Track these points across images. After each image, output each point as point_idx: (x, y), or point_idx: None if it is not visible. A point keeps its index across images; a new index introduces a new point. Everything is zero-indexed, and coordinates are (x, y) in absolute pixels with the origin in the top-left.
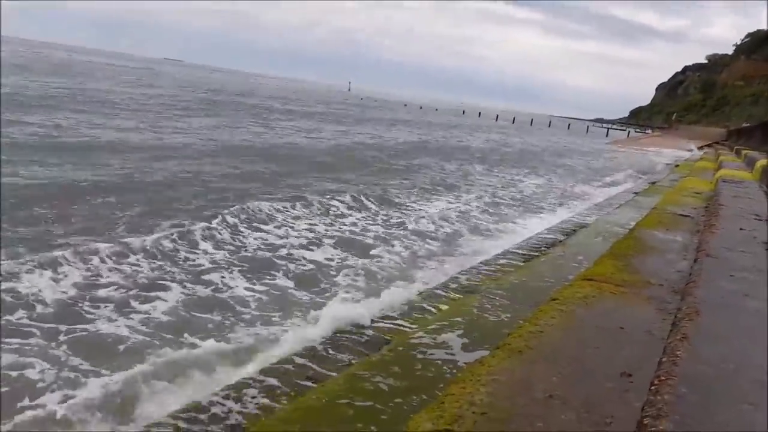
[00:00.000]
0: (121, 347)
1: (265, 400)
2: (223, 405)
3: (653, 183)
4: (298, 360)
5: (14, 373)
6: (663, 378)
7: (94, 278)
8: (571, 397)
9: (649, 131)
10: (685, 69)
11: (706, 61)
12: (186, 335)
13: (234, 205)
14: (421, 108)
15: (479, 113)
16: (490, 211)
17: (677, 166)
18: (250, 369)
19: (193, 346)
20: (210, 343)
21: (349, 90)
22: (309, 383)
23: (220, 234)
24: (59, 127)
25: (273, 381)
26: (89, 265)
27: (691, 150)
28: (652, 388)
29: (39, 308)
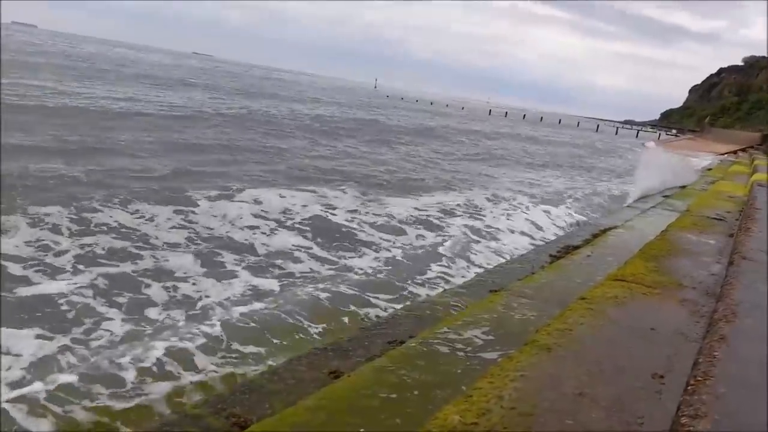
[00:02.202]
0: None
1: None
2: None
3: (684, 186)
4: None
5: None
6: (700, 378)
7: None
8: (601, 395)
9: (680, 135)
10: (720, 71)
11: (742, 64)
12: None
13: None
14: (447, 106)
15: (506, 113)
16: None
17: (710, 169)
18: None
19: None
20: None
21: (375, 87)
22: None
23: None
24: None
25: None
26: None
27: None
28: (689, 388)
29: None
